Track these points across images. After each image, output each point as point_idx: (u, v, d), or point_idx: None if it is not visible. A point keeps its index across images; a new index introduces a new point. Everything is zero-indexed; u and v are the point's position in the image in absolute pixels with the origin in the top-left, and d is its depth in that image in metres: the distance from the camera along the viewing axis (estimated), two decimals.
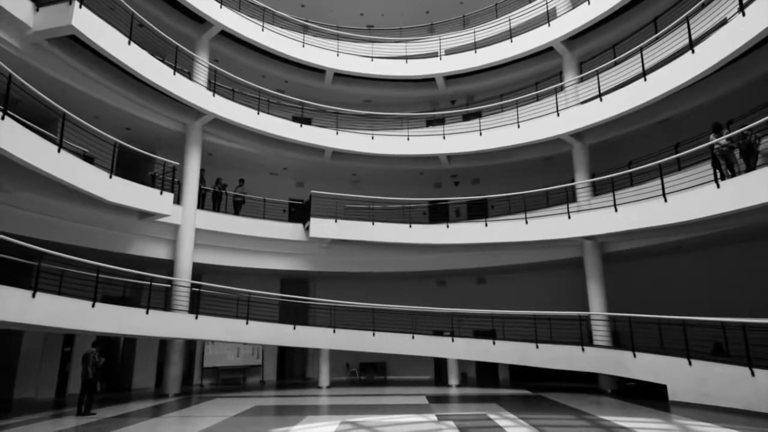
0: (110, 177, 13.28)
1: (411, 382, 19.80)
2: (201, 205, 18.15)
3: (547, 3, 20.16)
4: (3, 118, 10.01)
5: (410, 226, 19.12)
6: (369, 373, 21.53)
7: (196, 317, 15.49)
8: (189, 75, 17.82)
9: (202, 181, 18.45)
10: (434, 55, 22.74)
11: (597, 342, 16.02)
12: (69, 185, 11.91)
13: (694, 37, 13.53)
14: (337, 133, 20.64)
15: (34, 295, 10.89)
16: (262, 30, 20.25)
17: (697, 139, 14.14)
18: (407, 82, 23.16)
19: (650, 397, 13.60)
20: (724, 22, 12.58)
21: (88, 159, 13.39)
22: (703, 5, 14.14)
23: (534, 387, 16.83)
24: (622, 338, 15.88)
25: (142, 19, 15.26)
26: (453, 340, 17.50)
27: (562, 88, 19.14)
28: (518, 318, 17.36)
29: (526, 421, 10.21)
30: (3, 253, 10.79)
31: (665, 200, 13.55)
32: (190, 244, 17.11)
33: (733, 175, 12.20)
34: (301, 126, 20.06)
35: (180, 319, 15.31)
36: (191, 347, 19.81)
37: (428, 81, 22.91)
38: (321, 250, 20.27)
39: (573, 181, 18.15)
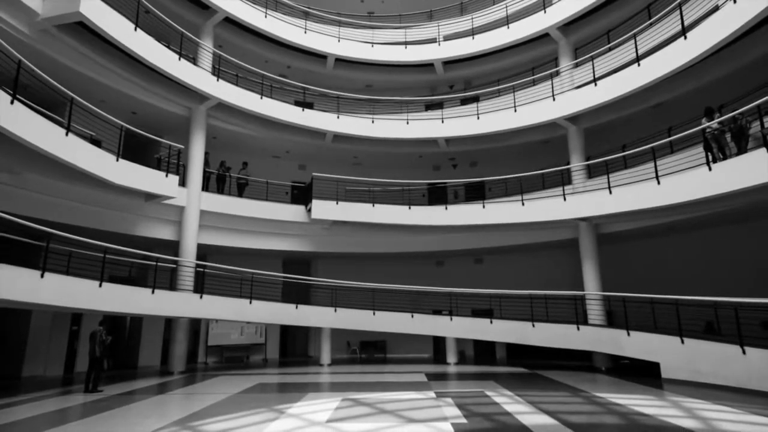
0: (117, 160, 13.53)
1: (410, 360, 20.14)
2: (205, 187, 18.42)
3: None
4: (12, 102, 10.21)
5: (409, 208, 19.37)
6: (369, 351, 21.89)
7: (201, 297, 15.78)
8: (194, 60, 18.04)
9: (206, 164, 18.72)
10: (433, 41, 22.90)
11: (592, 321, 16.25)
12: (77, 168, 12.11)
13: (686, 23, 13.74)
14: (338, 117, 20.87)
15: (42, 275, 10.98)
16: (265, 16, 20.43)
17: (690, 123, 14.41)
18: (407, 68, 23.31)
19: (644, 374, 13.84)
20: (716, 8, 12.73)
21: (96, 142, 13.59)
22: None
23: (530, 365, 17.04)
24: (617, 317, 16.17)
25: (148, 6, 15.47)
26: (451, 319, 17.77)
27: (557, 73, 19.30)
28: (515, 297, 17.65)
29: (522, 398, 10.32)
30: (12, 233, 10.95)
31: (658, 183, 13.72)
32: (194, 225, 17.43)
33: (725, 158, 12.36)
34: (303, 110, 20.29)
35: (185, 298, 15.57)
36: (196, 326, 20.19)
37: (427, 66, 23.08)
38: (322, 231, 20.59)
39: (568, 163, 18.40)
